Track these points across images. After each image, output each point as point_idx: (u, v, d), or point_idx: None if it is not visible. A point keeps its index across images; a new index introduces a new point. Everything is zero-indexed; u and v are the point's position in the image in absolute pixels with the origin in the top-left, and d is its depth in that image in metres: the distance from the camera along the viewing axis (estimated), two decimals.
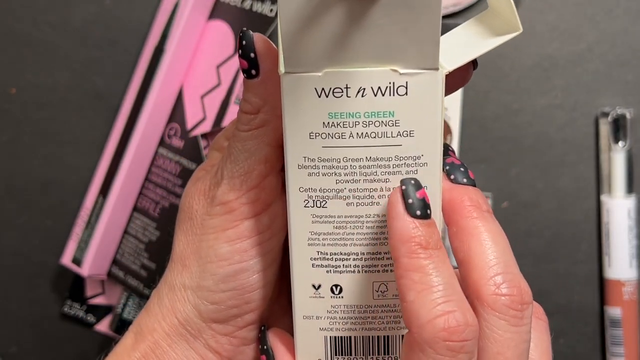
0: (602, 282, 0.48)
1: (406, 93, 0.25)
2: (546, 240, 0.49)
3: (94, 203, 0.49)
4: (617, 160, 0.47)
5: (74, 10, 0.52)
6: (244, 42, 0.27)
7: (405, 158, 0.26)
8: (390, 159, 0.26)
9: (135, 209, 0.50)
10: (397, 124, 0.26)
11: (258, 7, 0.47)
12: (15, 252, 0.53)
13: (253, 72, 0.27)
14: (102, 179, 0.49)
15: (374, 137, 0.26)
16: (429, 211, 0.24)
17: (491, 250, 0.26)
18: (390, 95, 0.25)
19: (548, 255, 0.49)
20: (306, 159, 0.26)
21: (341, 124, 0.26)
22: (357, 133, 0.26)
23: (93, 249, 0.48)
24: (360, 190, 0.26)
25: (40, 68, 0.52)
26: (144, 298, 0.49)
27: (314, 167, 0.26)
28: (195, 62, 0.50)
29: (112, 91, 0.51)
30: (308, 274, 0.28)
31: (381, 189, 0.26)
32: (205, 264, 0.29)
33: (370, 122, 0.26)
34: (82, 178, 0.52)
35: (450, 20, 0.48)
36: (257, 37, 0.27)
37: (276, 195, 0.29)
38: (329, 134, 0.26)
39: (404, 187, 0.25)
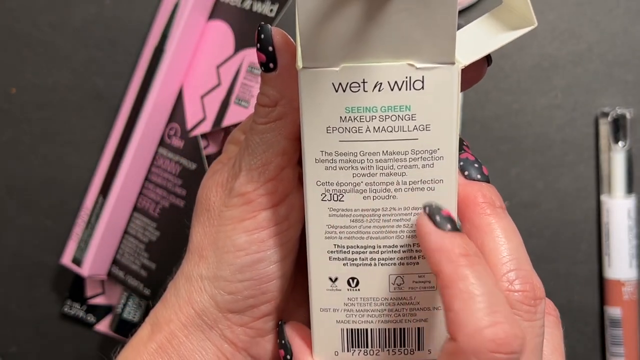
0: (602, 282, 0.48)
1: (422, 87, 0.25)
2: (546, 240, 0.49)
3: (94, 203, 0.49)
4: (617, 160, 0.47)
5: (74, 10, 0.52)
6: (262, 36, 0.28)
7: (422, 152, 0.26)
8: (407, 152, 0.26)
9: (135, 209, 0.50)
10: (413, 118, 0.26)
11: (258, 7, 0.47)
12: (15, 252, 0.53)
13: (271, 65, 0.28)
14: (102, 179, 0.49)
15: (391, 131, 0.26)
16: (458, 226, 0.25)
17: (504, 247, 0.26)
18: (406, 89, 0.26)
19: (548, 255, 0.49)
20: (323, 152, 0.26)
21: (358, 118, 0.26)
22: (374, 127, 0.26)
23: (93, 249, 0.48)
24: (377, 184, 0.27)
25: (40, 68, 0.52)
26: (144, 298, 0.49)
27: (331, 161, 0.26)
28: (195, 62, 0.50)
29: (112, 91, 0.51)
30: (325, 266, 0.28)
31: (397, 183, 0.26)
32: (222, 254, 0.29)
33: (387, 116, 0.26)
34: (82, 178, 0.52)
35: None
36: (275, 31, 0.28)
37: (293, 187, 0.30)
38: (346, 128, 0.26)
39: (427, 209, 0.25)
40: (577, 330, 0.48)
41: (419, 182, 0.27)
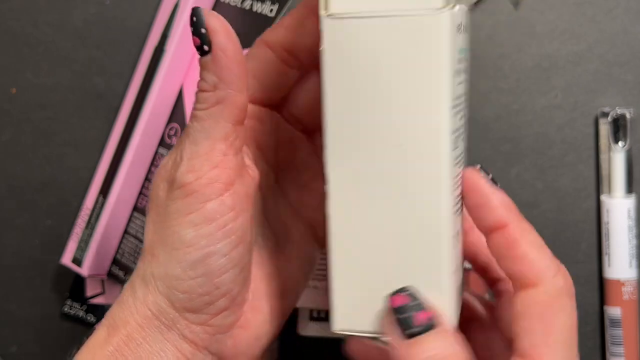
0: (602, 282, 0.48)
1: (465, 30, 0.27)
2: (546, 240, 0.49)
3: (94, 203, 0.49)
4: (617, 160, 0.47)
5: (74, 10, 0.52)
6: (194, 19, 0.27)
7: (465, 95, 0.28)
8: (465, 94, 0.28)
9: (135, 209, 0.50)
10: (466, 60, 0.27)
11: (258, 7, 0.47)
12: (15, 252, 0.53)
13: (205, 48, 0.28)
14: (102, 179, 0.49)
15: (462, 74, 0.27)
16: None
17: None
18: (463, 32, 0.27)
19: None
20: (454, 98, 0.26)
21: (459, 61, 0.27)
22: (463, 69, 0.27)
23: (93, 249, 0.48)
24: (462, 129, 0.28)
25: (40, 68, 0.52)
26: None
27: (457, 106, 0.27)
28: (195, 62, 0.50)
29: (112, 91, 0.51)
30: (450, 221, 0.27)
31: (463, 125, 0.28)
32: (171, 252, 0.28)
33: (463, 59, 0.27)
34: (82, 178, 0.52)
35: None
36: (208, 13, 0.27)
37: (237, 175, 0.29)
38: (457, 70, 0.26)
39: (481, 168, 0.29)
40: (577, 330, 0.48)
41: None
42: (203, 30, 0.27)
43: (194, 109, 0.28)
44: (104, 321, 0.30)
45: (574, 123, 0.49)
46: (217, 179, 0.28)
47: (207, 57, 0.28)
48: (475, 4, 0.48)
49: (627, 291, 0.46)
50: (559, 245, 0.48)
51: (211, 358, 0.30)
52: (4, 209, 0.53)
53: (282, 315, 0.34)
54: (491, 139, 0.49)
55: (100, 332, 0.30)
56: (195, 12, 0.27)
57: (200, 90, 0.28)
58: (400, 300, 0.27)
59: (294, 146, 0.35)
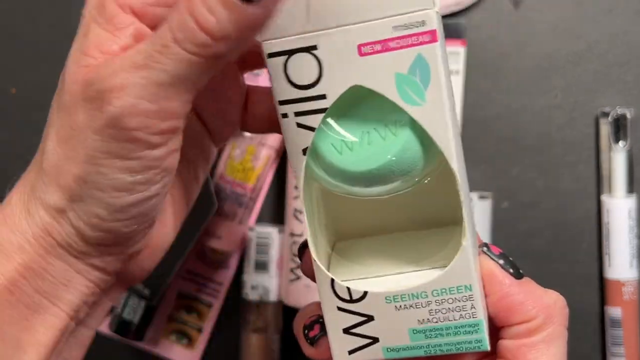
0: (602, 282, 0.48)
1: None
2: (546, 240, 0.49)
3: None
4: (617, 160, 0.47)
5: (74, 10, 0.52)
6: None
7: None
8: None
9: None
10: None
11: None
12: None
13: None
14: None
15: None
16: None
17: None
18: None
19: (548, 255, 0.49)
20: None
21: None
22: None
23: None
24: None
25: (40, 68, 0.52)
26: (143, 298, 0.49)
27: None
28: None
29: None
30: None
31: None
32: (95, 192, 0.25)
33: None
34: None
35: (452, 19, 0.48)
36: None
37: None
38: None
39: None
40: (577, 330, 0.48)
41: None
42: None
43: (177, 41, 0.23)
44: None
45: (574, 123, 0.48)
46: (171, 129, 0.24)
47: (251, 6, 0.22)
48: (476, 3, 0.48)
49: (628, 291, 0.46)
50: (559, 245, 0.48)
51: (116, 278, 0.28)
52: None
53: (182, 218, 0.31)
54: (491, 139, 0.49)
55: None
56: None
57: (203, 27, 0.22)
58: None
59: None
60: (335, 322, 0.28)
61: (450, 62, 0.47)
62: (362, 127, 0.26)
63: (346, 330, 0.28)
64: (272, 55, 0.25)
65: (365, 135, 0.25)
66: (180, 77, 0.23)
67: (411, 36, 0.24)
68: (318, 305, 0.29)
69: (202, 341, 0.50)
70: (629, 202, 0.46)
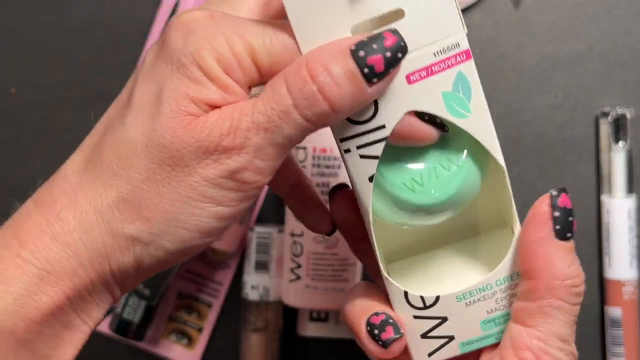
0: (602, 282, 0.48)
1: None
2: None
3: None
4: (617, 160, 0.47)
5: (74, 10, 0.52)
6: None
7: None
8: None
9: None
10: None
11: None
12: None
13: (378, 77, 0.25)
14: None
15: None
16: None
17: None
18: None
19: None
20: None
21: None
22: None
23: None
24: None
25: (40, 68, 0.52)
26: (143, 298, 0.49)
27: None
28: None
29: (112, 91, 0.51)
30: None
31: None
32: (175, 229, 0.26)
33: None
34: None
35: None
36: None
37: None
38: None
39: None
40: (577, 330, 0.48)
41: None
42: (400, 55, 0.25)
43: (300, 109, 0.25)
44: (22, 253, 0.25)
45: (574, 123, 0.48)
46: (270, 177, 0.26)
47: (377, 85, 0.25)
48: (476, 3, 0.48)
49: (628, 291, 0.46)
50: None
51: None
52: (4, 209, 0.53)
53: None
54: None
55: (25, 273, 0.25)
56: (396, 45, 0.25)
57: (331, 104, 0.25)
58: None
59: None
60: (412, 329, 0.30)
61: None
62: (427, 164, 0.28)
63: (424, 335, 0.30)
64: None
65: (433, 170, 0.28)
66: (292, 140, 0.25)
67: (450, 58, 0.26)
68: (372, 296, 0.30)
69: (202, 341, 0.50)
70: (629, 202, 0.46)
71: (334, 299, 0.46)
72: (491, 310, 0.29)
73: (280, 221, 0.49)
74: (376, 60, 0.24)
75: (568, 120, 0.48)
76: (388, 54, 0.25)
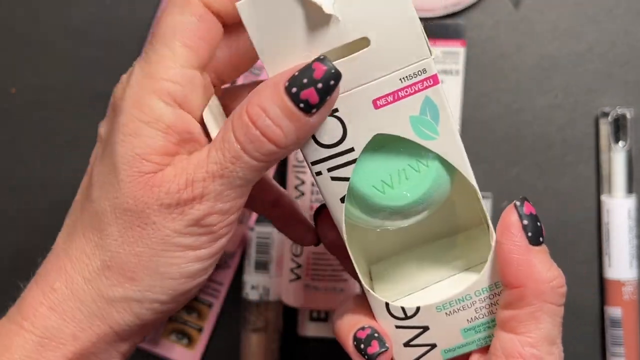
0: (602, 282, 0.48)
1: None
2: (546, 240, 0.49)
3: None
4: (617, 160, 0.47)
5: (74, 10, 0.52)
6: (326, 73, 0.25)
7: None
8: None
9: None
10: None
11: None
12: (16, 252, 0.53)
13: (315, 109, 0.26)
14: None
15: None
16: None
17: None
18: None
19: None
20: None
21: None
22: None
23: None
24: None
25: (40, 68, 0.52)
26: None
27: None
28: None
29: (112, 91, 0.51)
30: None
31: None
32: (164, 280, 0.27)
33: None
34: (82, 178, 0.52)
35: (452, 19, 0.48)
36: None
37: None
38: None
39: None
40: (577, 330, 0.48)
41: None
42: (330, 89, 0.26)
43: (247, 151, 0.26)
44: (24, 324, 0.27)
45: (574, 123, 0.48)
46: (237, 218, 0.28)
47: (309, 115, 0.26)
48: (476, 4, 0.48)
49: (628, 291, 0.46)
50: (559, 245, 0.48)
51: None
52: (4, 208, 0.53)
53: None
54: (491, 139, 0.49)
55: (27, 344, 0.27)
56: (328, 71, 0.25)
57: (270, 139, 0.26)
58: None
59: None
60: (394, 339, 0.30)
61: (450, 62, 0.47)
62: (396, 167, 0.29)
63: (406, 344, 0.30)
64: None
65: (402, 172, 0.29)
66: (249, 180, 0.26)
67: (417, 83, 0.27)
68: (360, 310, 0.31)
69: (202, 341, 0.50)
70: (629, 202, 0.46)
71: (334, 299, 0.46)
72: (471, 319, 0.30)
73: None
74: (309, 94, 0.25)
75: (568, 120, 0.48)
76: (320, 85, 0.25)
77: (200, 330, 0.50)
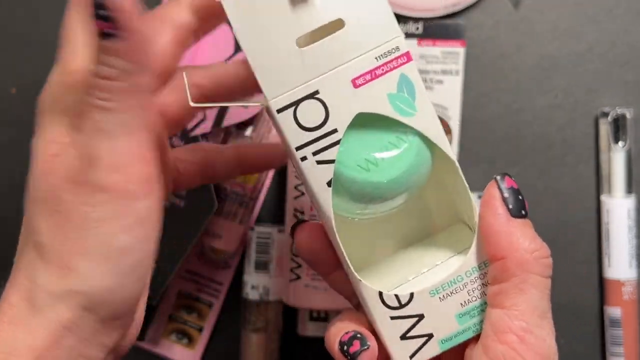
0: (602, 282, 0.48)
1: None
2: (546, 240, 0.49)
3: None
4: (617, 160, 0.47)
5: None
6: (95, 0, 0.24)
7: None
8: None
9: None
10: None
11: None
12: (15, 252, 0.53)
13: (111, 30, 0.24)
14: None
15: None
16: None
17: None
18: None
19: None
20: None
21: None
22: None
23: None
24: None
25: (40, 68, 0.52)
26: None
27: None
28: (195, 62, 0.49)
29: None
30: None
31: None
32: (100, 263, 0.26)
33: None
34: None
35: (451, 20, 0.48)
36: None
37: (162, 163, 0.27)
38: None
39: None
40: (577, 330, 0.48)
41: None
42: (107, 12, 0.24)
43: (102, 99, 0.25)
44: None
45: (574, 123, 0.48)
46: (149, 176, 0.26)
47: (114, 41, 0.24)
48: (475, 4, 0.48)
49: (627, 291, 0.46)
50: (559, 245, 0.48)
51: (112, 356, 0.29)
52: (4, 209, 0.53)
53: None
54: (491, 139, 0.49)
55: None
56: None
57: (104, 77, 0.25)
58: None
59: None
60: (391, 332, 0.30)
61: (450, 62, 0.47)
62: (378, 144, 0.29)
63: (403, 337, 0.30)
64: (280, 110, 0.28)
65: (384, 149, 0.29)
66: (127, 122, 0.26)
67: (392, 61, 0.28)
68: (350, 319, 0.31)
69: (202, 341, 0.50)
70: (629, 202, 0.47)
71: (334, 299, 0.46)
72: (465, 302, 0.30)
73: (280, 221, 0.49)
74: (101, 26, 0.24)
75: (568, 120, 0.49)
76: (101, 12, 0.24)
77: (200, 330, 0.50)
